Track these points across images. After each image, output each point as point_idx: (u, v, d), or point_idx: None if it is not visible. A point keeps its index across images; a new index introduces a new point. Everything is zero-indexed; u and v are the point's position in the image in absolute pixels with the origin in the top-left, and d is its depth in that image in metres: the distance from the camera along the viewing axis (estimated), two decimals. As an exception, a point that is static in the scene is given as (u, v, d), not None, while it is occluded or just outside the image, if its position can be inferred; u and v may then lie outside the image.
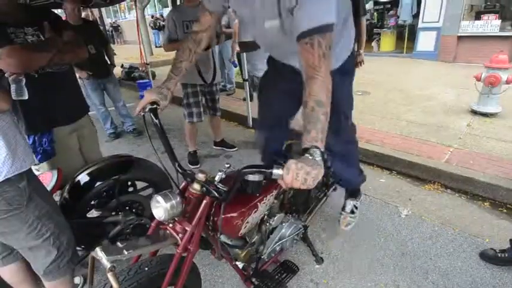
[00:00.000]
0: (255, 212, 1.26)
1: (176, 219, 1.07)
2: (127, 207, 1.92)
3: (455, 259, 1.87)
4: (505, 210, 2.27)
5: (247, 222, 1.24)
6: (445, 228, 2.13)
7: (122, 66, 7.37)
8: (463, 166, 2.64)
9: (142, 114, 1.19)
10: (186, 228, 1.05)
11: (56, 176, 1.63)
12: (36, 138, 1.72)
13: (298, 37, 0.97)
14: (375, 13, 10.52)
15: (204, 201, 1.06)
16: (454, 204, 2.39)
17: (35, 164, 1.73)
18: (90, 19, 6.91)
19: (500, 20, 6.24)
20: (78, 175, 1.74)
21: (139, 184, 2.01)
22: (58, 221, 1.30)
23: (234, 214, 1.17)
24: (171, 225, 1.09)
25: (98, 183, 1.76)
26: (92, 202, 1.82)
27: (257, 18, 1.20)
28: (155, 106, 1.18)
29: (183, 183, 1.15)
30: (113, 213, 1.87)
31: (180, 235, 1.07)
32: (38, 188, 1.24)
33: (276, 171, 0.82)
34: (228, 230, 1.19)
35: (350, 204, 2.01)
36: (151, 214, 1.86)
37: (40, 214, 1.21)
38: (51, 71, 1.67)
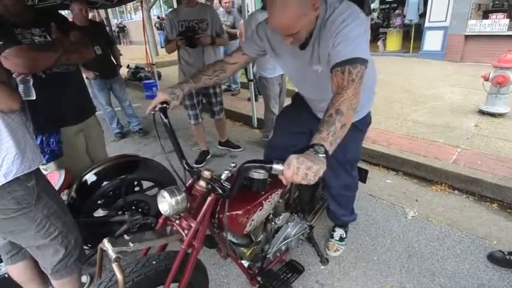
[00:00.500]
0: (260, 210, 1.27)
1: (182, 215, 1.09)
2: (133, 207, 1.94)
3: (462, 261, 1.85)
4: (514, 212, 2.24)
5: (252, 220, 1.25)
6: (452, 229, 2.10)
7: (128, 66, 7.44)
8: (471, 167, 2.61)
9: (152, 113, 1.21)
10: (191, 224, 1.07)
11: (63, 176, 1.66)
12: (43, 138, 1.75)
13: (332, 68, 1.06)
14: (381, 12, 10.45)
15: (209, 198, 1.08)
16: (461, 205, 2.37)
17: (43, 164, 1.76)
18: (97, 20, 6.99)
19: (508, 19, 6.15)
20: (85, 175, 1.76)
21: (145, 184, 2.03)
22: (66, 220, 1.31)
23: (239, 212, 1.18)
24: (177, 221, 1.11)
25: (105, 183, 1.78)
26: (99, 201, 1.84)
27: (302, 65, 1.33)
28: (165, 105, 1.20)
29: (190, 181, 1.16)
30: (119, 212, 1.89)
31: (186, 231, 1.08)
32: (47, 188, 1.26)
33: (276, 166, 0.83)
34: (234, 227, 1.19)
35: (339, 231, 2.01)
36: (157, 213, 1.88)
37: (48, 213, 1.22)
38: (58, 71, 1.69)
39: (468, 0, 6.41)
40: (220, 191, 1.05)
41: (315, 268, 1.87)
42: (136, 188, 2.04)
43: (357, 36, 1.06)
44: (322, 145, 0.84)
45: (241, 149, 3.54)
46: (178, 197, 1.01)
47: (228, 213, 1.09)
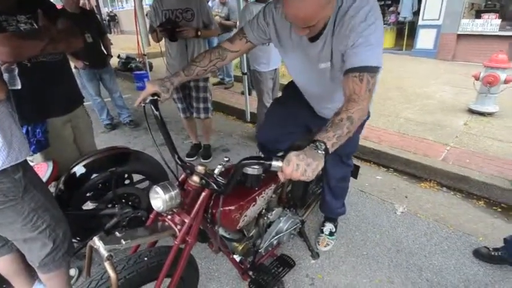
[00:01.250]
0: (254, 205, 1.26)
1: (175, 210, 1.07)
2: (123, 200, 1.91)
3: (449, 257, 1.89)
4: (499, 210, 2.30)
5: (246, 216, 1.24)
6: (439, 226, 2.15)
7: (119, 56, 7.28)
8: (459, 165, 2.66)
9: (142, 105, 1.18)
10: (185, 220, 1.06)
11: (51, 167, 1.61)
12: (29, 128, 1.69)
13: (348, 71, 1.03)
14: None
15: (203, 194, 1.07)
16: (449, 202, 2.41)
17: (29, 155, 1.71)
18: (87, 8, 6.79)
19: (500, 20, 6.24)
20: (74, 166, 1.72)
21: (136, 177, 2.00)
22: (54, 213, 1.28)
23: (232, 207, 1.17)
24: (169, 216, 1.09)
25: (94, 175, 1.74)
26: (88, 194, 1.81)
27: (308, 61, 1.26)
28: (156, 98, 1.17)
29: (183, 175, 1.14)
30: (109, 205, 1.86)
31: (179, 227, 1.07)
32: (34, 180, 1.22)
33: (276, 163, 0.82)
34: (227, 222, 1.19)
35: (329, 226, 2.03)
36: (148, 207, 1.86)
37: (36, 206, 1.19)
38: (43, 60, 1.63)
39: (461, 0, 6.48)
40: (214, 187, 1.03)
41: (305, 262, 1.88)
42: (127, 181, 2.01)
43: (377, 41, 1.03)
44: (324, 143, 0.84)
45: (210, 159, 3.19)
46: (172, 193, 0.99)
47: (221, 209, 1.08)
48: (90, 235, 1.83)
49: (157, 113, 1.15)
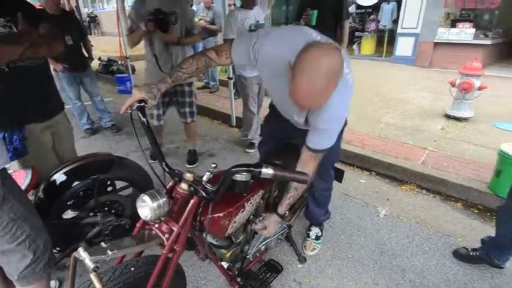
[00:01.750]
0: (242, 211, 1.26)
1: (162, 219, 1.05)
2: (106, 208, 1.86)
3: (430, 258, 1.95)
4: (476, 211, 2.40)
5: (235, 222, 1.24)
6: (420, 227, 2.22)
7: (100, 58, 7.10)
8: (438, 168, 2.76)
9: (129, 111, 1.15)
10: (173, 228, 1.04)
11: (30, 175, 1.55)
12: (6, 135, 1.62)
13: (307, 146, 1.26)
14: (357, 17, 10.76)
15: (192, 201, 1.05)
16: (429, 204, 2.50)
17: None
18: (67, 9, 6.60)
19: (474, 29, 6.57)
20: (54, 174, 1.66)
21: (119, 183, 1.95)
22: (34, 223, 1.23)
23: (221, 214, 1.16)
24: (156, 225, 1.07)
25: (76, 183, 1.69)
26: (69, 202, 1.74)
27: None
28: (143, 104, 1.15)
29: (170, 183, 1.12)
30: (91, 213, 1.80)
31: (166, 235, 1.05)
32: (13, 189, 1.16)
33: (265, 170, 0.83)
34: (215, 229, 1.18)
35: (315, 230, 2.07)
36: (131, 215, 1.81)
37: (15, 216, 1.13)
38: (22, 65, 1.57)
39: (438, 9, 6.77)
40: (204, 194, 1.02)
41: (292, 267, 1.89)
42: (109, 188, 1.96)
43: (337, 130, 1.24)
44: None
45: (196, 164, 3.16)
46: (160, 201, 0.97)
47: (210, 216, 1.07)
48: (71, 245, 1.77)
49: (144, 119, 1.13)
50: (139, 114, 1.13)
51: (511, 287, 1.75)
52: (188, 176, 1.05)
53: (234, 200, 1.22)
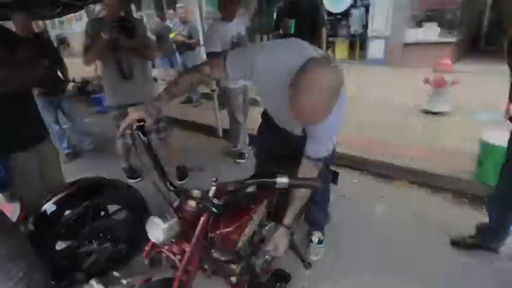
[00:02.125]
0: (251, 223, 1.23)
1: (173, 240, 1.01)
2: (100, 234, 1.77)
3: (429, 249, 2.00)
4: (466, 200, 2.49)
5: (245, 235, 1.21)
6: (416, 220, 2.27)
7: (74, 80, 6.88)
8: (425, 162, 2.85)
9: (129, 132, 1.11)
10: (186, 248, 0.99)
11: (18, 209, 1.46)
12: (-11, 166, 1.53)
13: (306, 156, 1.29)
14: (328, 23, 11.12)
15: (202, 218, 1.02)
16: (421, 197, 2.57)
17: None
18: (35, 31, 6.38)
19: (439, 28, 6.96)
20: (43, 204, 1.57)
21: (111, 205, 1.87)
22: (29, 259, 1.14)
23: (231, 228, 1.13)
24: (166, 247, 1.02)
25: (67, 212, 1.60)
26: (61, 232, 1.65)
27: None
28: (142, 124, 1.11)
29: (176, 202, 1.09)
30: (86, 241, 1.71)
31: (178, 256, 1.00)
32: (4, 224, 1.09)
33: (280, 180, 0.82)
34: (227, 244, 1.14)
35: (317, 234, 2.08)
36: (128, 239, 1.73)
37: (8, 253, 1.05)
38: (3, 92, 1.49)
39: (403, 12, 7.13)
40: (213, 209, 0.99)
41: (299, 274, 1.87)
42: (102, 213, 1.87)
43: (335, 137, 1.29)
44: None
45: (186, 179, 3.12)
46: (172, 221, 0.93)
47: (222, 231, 1.04)
48: (68, 276, 1.67)
49: (145, 138, 1.09)
50: (140, 134, 1.10)
51: (510, 270, 1.81)
52: (196, 192, 1.02)
53: (242, 212, 1.20)
